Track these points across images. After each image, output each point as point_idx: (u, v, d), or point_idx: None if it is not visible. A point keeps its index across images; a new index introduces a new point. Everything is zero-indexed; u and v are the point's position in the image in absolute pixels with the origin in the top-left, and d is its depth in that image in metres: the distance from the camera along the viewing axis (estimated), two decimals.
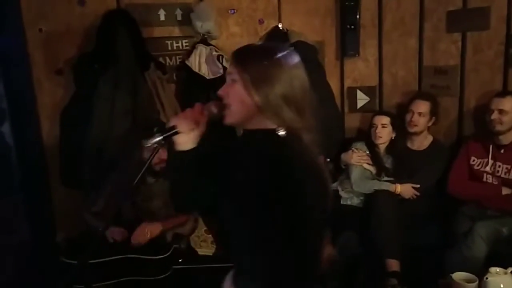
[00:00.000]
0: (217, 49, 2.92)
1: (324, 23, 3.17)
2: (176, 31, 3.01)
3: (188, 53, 2.96)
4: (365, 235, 2.55)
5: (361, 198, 2.80)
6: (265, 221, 1.07)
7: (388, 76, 3.20)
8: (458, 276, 2.01)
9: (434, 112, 2.84)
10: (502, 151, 2.58)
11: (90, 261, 2.14)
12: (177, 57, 3.03)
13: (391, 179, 2.77)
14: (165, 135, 1.20)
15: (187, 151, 1.19)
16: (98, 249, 2.24)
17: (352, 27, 3.07)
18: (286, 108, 1.13)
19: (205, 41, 2.92)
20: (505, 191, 2.52)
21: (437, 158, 2.80)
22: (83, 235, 2.47)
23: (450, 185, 2.68)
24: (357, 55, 3.16)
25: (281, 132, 1.14)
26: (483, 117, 2.68)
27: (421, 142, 2.89)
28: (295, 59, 1.19)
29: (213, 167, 1.20)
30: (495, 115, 2.55)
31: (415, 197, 2.73)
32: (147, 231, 2.31)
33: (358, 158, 2.83)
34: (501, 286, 1.94)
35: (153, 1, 2.94)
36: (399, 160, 2.83)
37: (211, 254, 2.75)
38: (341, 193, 2.86)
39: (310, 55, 2.91)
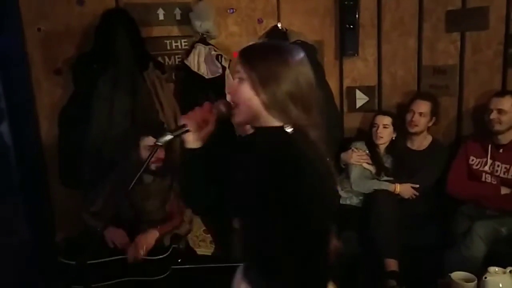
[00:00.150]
0: (216, 49, 2.92)
1: (323, 22, 3.17)
2: (175, 30, 3.01)
3: (187, 52, 2.96)
4: (364, 235, 2.55)
5: (361, 197, 2.80)
6: (275, 217, 1.08)
7: (387, 76, 3.20)
8: (457, 275, 2.01)
9: (434, 112, 2.84)
10: (501, 150, 2.58)
11: (89, 262, 2.14)
12: (176, 56, 3.03)
13: (391, 178, 2.78)
14: (175, 133, 1.23)
15: (197, 149, 1.22)
16: (97, 249, 2.24)
17: (351, 26, 3.07)
18: (293, 106, 1.14)
19: (204, 40, 2.92)
20: (504, 190, 2.53)
21: (436, 158, 2.80)
22: (82, 236, 2.47)
23: (449, 185, 2.69)
24: (356, 55, 3.16)
25: (289, 129, 1.15)
26: (482, 116, 2.68)
27: (421, 142, 2.89)
28: (301, 56, 1.20)
29: (223, 165, 1.24)
30: (494, 115, 2.55)
31: (414, 197, 2.73)
32: (143, 246, 2.29)
33: (357, 157, 2.84)
34: (500, 285, 1.94)
35: (152, 0, 2.94)
36: (399, 160, 2.84)
37: (210, 254, 2.76)
38: (341, 192, 2.85)
39: (309, 55, 2.88)
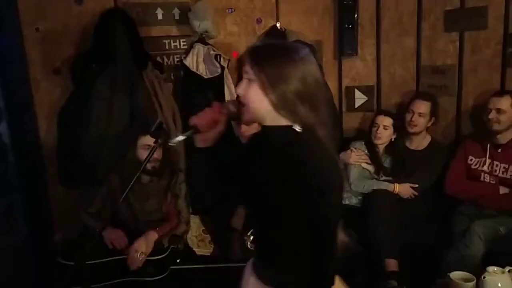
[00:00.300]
0: (214, 49, 2.92)
1: (322, 22, 3.17)
2: (173, 30, 3.01)
3: (186, 52, 2.95)
4: (363, 235, 2.55)
5: (360, 197, 2.80)
6: (285, 213, 1.10)
7: (386, 76, 3.20)
8: (456, 275, 2.01)
9: (434, 112, 2.84)
10: (499, 150, 2.59)
11: (88, 262, 2.14)
12: (175, 56, 3.02)
13: (390, 178, 2.78)
14: (186, 134, 1.26)
15: (207, 148, 1.26)
16: (96, 250, 2.24)
17: (350, 26, 3.07)
18: (301, 105, 1.16)
19: (202, 40, 2.91)
20: (502, 190, 2.53)
21: (435, 158, 2.80)
22: (81, 236, 2.47)
23: (448, 185, 2.69)
24: (355, 55, 3.16)
25: (297, 128, 1.18)
26: (480, 116, 2.69)
27: (420, 142, 2.89)
28: (308, 54, 1.21)
29: (233, 164, 1.28)
30: (492, 115, 2.56)
31: (413, 196, 2.73)
32: (140, 253, 2.29)
33: (356, 157, 2.83)
34: (499, 285, 1.93)
35: (151, 0, 2.93)
36: (398, 160, 2.83)
37: (209, 254, 2.75)
38: None
39: None
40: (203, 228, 2.82)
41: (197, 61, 2.89)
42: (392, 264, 2.43)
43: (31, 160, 2.88)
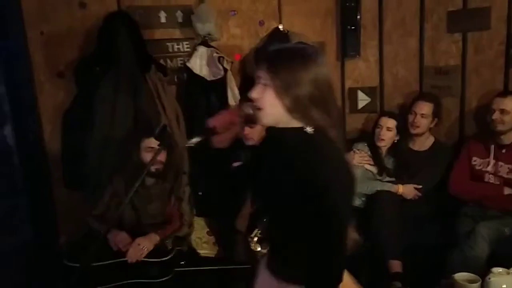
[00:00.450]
0: (217, 51, 2.93)
1: (325, 24, 3.17)
2: (176, 33, 3.01)
3: (189, 55, 2.96)
4: (367, 236, 2.55)
5: (363, 199, 2.80)
6: (298, 212, 1.15)
7: (389, 77, 3.20)
8: (460, 276, 2.00)
9: (436, 113, 2.84)
10: (503, 151, 2.58)
11: (93, 264, 2.15)
12: (178, 59, 3.03)
13: (393, 179, 2.77)
14: (204, 135, 1.30)
15: (223, 150, 1.32)
16: (101, 252, 2.24)
17: (353, 27, 3.07)
18: (314, 109, 1.19)
19: (205, 43, 2.92)
20: (507, 191, 2.52)
21: (439, 159, 2.80)
22: (86, 238, 2.47)
23: (451, 185, 2.68)
24: (357, 56, 3.16)
25: (309, 130, 1.20)
26: (484, 117, 2.68)
27: (423, 143, 2.89)
28: (320, 57, 1.24)
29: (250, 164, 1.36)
30: (496, 115, 2.55)
31: (417, 197, 2.73)
32: (143, 247, 2.30)
33: (359, 159, 2.83)
34: (504, 286, 1.93)
35: (154, 3, 2.94)
36: (401, 161, 2.83)
37: (213, 256, 2.75)
38: None
39: None
40: (208, 229, 2.82)
41: (200, 64, 2.90)
42: (396, 265, 2.43)
43: (36, 162, 2.89)
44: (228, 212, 2.57)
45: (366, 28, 3.14)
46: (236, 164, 1.76)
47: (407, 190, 2.72)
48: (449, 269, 2.23)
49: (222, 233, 2.78)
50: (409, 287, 2.35)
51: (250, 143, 2.35)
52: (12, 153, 2.88)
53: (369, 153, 2.86)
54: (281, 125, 1.24)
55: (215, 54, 2.90)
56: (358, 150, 2.87)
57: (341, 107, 3.28)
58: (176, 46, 3.02)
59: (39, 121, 2.89)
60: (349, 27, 3.08)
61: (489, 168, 2.61)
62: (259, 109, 1.23)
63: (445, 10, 2.93)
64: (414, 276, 2.39)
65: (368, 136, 2.96)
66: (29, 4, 2.76)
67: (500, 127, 2.55)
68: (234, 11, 3.04)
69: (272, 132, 1.31)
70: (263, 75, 1.21)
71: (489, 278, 1.95)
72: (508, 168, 2.54)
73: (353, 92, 3.27)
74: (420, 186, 2.72)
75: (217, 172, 1.45)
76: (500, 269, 1.97)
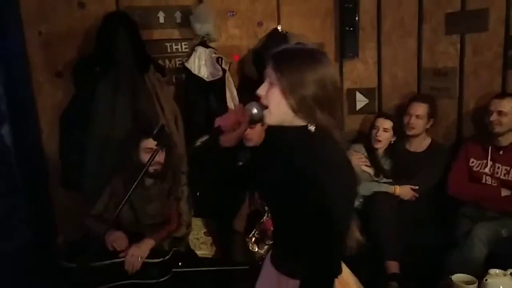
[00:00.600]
0: (216, 52, 2.93)
1: (323, 25, 3.18)
2: (175, 33, 3.02)
3: (188, 55, 2.96)
4: (364, 237, 2.55)
5: (360, 200, 2.80)
6: (301, 209, 1.16)
7: (388, 78, 3.21)
8: (457, 277, 2.01)
9: (431, 114, 2.85)
10: (501, 152, 2.59)
11: (91, 265, 2.14)
12: (177, 59, 3.03)
13: (390, 180, 2.78)
14: (211, 135, 1.33)
15: (230, 149, 1.32)
16: (99, 252, 2.24)
17: (351, 29, 3.08)
18: (319, 110, 1.21)
19: (204, 43, 2.92)
20: (504, 192, 2.53)
21: (436, 160, 2.81)
22: (84, 239, 2.47)
23: (449, 187, 2.69)
24: (356, 57, 3.16)
25: (312, 128, 1.22)
26: (482, 118, 2.69)
27: (420, 144, 2.89)
28: (326, 58, 1.26)
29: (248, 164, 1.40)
30: (494, 117, 2.56)
31: (414, 198, 2.73)
32: (138, 257, 2.28)
33: (356, 160, 2.83)
34: (501, 287, 1.94)
35: (153, 3, 2.94)
36: (398, 162, 2.84)
37: (210, 256, 2.75)
38: None
39: None
40: (205, 230, 2.82)
41: (198, 64, 2.90)
42: (393, 266, 2.43)
43: (34, 162, 2.89)
44: (226, 212, 2.57)
45: (364, 29, 3.14)
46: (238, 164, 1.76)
47: (403, 191, 2.72)
48: (446, 270, 2.23)
49: (220, 234, 2.78)
50: None
51: (250, 143, 2.35)
52: (10, 153, 2.87)
53: (365, 154, 2.87)
54: (285, 124, 1.26)
55: (213, 55, 2.90)
56: (356, 151, 2.88)
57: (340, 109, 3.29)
58: (174, 47, 3.02)
59: (37, 121, 2.88)
60: (347, 28, 3.08)
61: (487, 170, 2.61)
62: (265, 107, 1.25)
63: (443, 12, 2.93)
64: (412, 276, 2.39)
65: (365, 137, 2.96)
66: (28, 4, 2.75)
67: (497, 129, 2.56)
68: (233, 11, 3.04)
69: (273, 131, 1.33)
70: (270, 73, 1.23)
71: (486, 280, 1.96)
72: (506, 169, 2.55)
73: (351, 93, 3.27)
74: (417, 187, 2.73)
75: (222, 171, 1.45)
76: (497, 271, 1.98)
